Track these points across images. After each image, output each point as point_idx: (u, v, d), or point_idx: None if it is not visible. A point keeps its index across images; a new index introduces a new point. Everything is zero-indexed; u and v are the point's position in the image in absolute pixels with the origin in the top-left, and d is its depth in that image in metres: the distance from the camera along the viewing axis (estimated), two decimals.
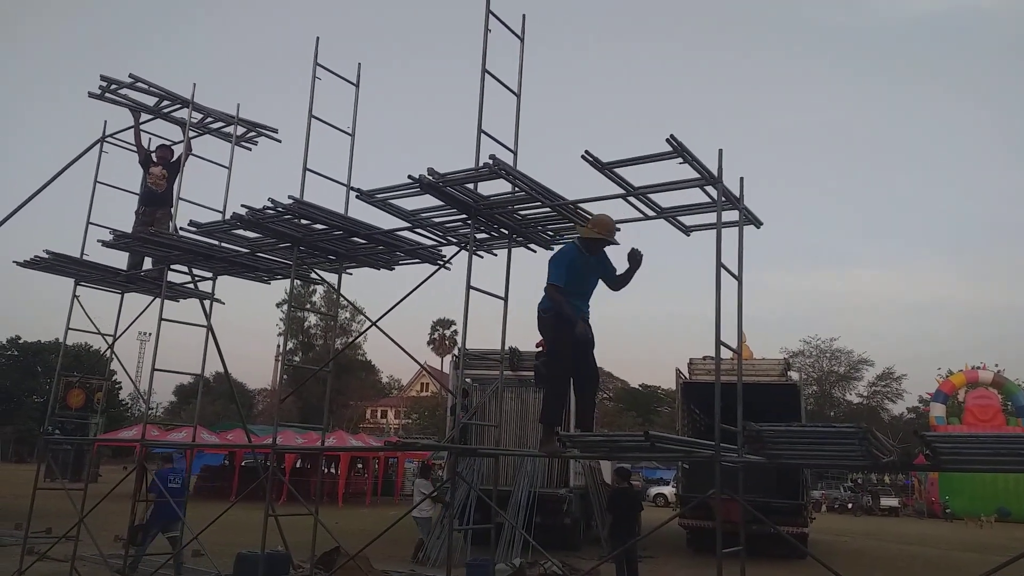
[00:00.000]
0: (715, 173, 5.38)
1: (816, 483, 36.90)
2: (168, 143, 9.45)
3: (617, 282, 6.15)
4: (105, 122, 9.20)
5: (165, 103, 8.96)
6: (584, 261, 5.91)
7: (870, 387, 55.71)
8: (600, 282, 6.13)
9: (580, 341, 5.75)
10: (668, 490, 33.30)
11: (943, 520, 32.91)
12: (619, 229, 6.10)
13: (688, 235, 6.67)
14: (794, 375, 18.87)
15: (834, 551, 17.11)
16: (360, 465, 32.41)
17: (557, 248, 6.37)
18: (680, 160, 5.25)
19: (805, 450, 5.12)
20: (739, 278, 5.63)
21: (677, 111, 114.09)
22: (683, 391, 16.92)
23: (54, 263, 8.80)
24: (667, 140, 5.05)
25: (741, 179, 5.83)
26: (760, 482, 13.50)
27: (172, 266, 8.64)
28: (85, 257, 8.90)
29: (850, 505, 37.51)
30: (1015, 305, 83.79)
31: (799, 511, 15.44)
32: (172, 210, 8.89)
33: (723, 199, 5.50)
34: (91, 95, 8.81)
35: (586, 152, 5.42)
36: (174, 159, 9.24)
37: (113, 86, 8.68)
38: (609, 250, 6.09)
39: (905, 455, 5.03)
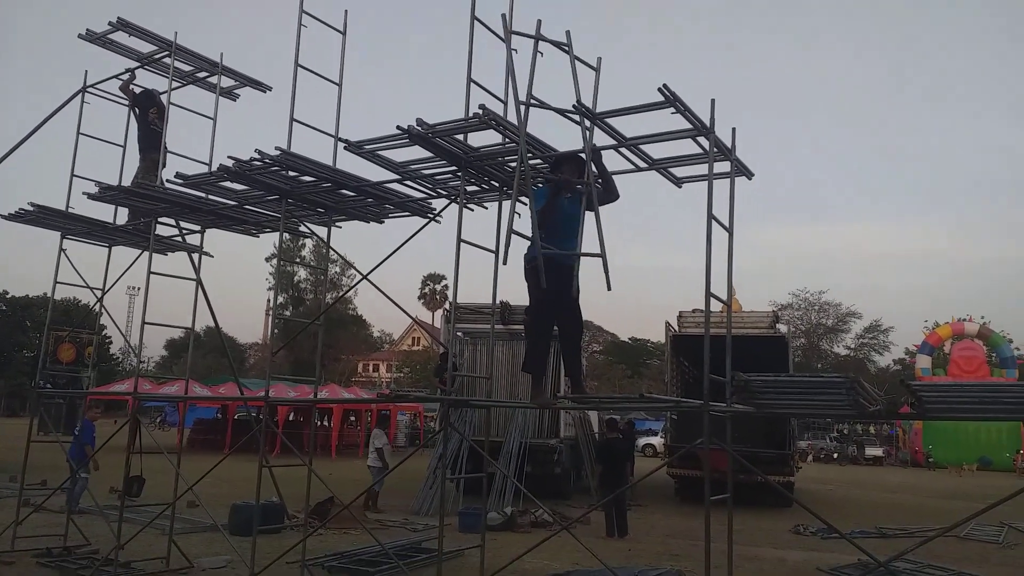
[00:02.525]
0: (707, 124, 5.32)
1: (802, 434, 37.60)
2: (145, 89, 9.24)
3: (605, 190, 5.96)
4: (86, 72, 8.98)
5: (153, 51, 8.74)
6: (559, 200, 5.75)
7: (857, 339, 56.57)
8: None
9: (557, 289, 5.59)
10: (657, 440, 33.80)
11: (926, 469, 33.63)
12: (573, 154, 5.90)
13: (680, 187, 6.65)
14: (782, 328, 19.05)
15: (820, 499, 17.49)
16: (353, 418, 32.70)
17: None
18: (672, 111, 5.19)
19: (793, 399, 5.19)
20: (730, 230, 5.62)
21: (670, 61, 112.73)
22: (672, 344, 17.07)
23: (39, 216, 8.67)
24: (659, 90, 4.98)
25: (733, 130, 5.79)
26: (747, 432, 13.70)
27: (159, 219, 8.54)
28: (71, 210, 8.78)
29: (835, 455, 38.25)
30: (1003, 258, 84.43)
31: (786, 461, 15.73)
32: (144, 157, 8.81)
33: (715, 150, 5.46)
34: (81, 37, 8.59)
35: (577, 102, 5.36)
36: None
37: (103, 32, 8.45)
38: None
39: (891, 404, 5.09)
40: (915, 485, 24.41)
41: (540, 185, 6.19)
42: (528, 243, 5.80)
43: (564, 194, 5.80)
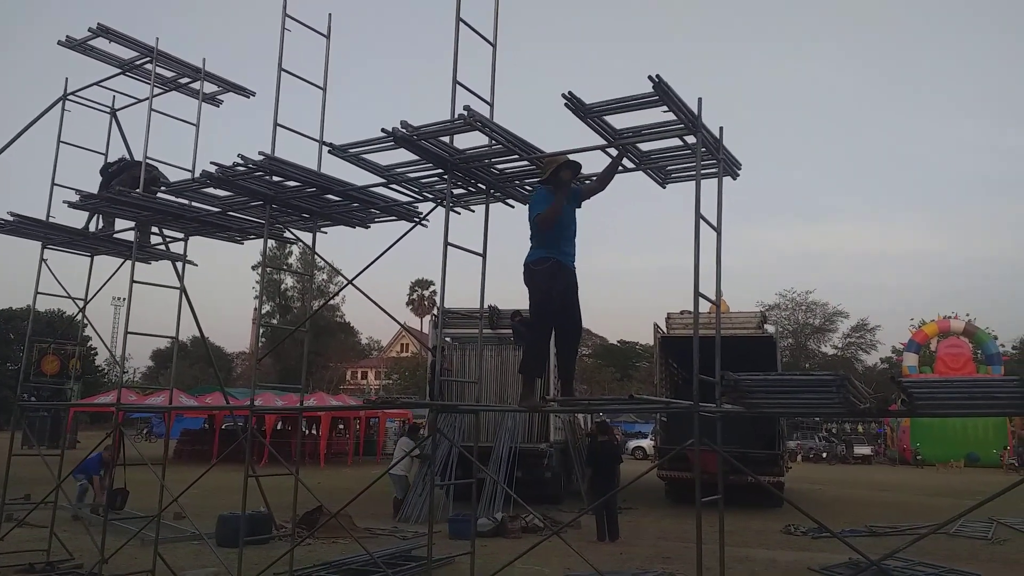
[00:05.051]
0: (695, 120, 5.27)
1: (791, 433, 37.69)
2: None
3: (600, 184, 6.06)
4: (67, 79, 8.88)
5: (135, 57, 8.62)
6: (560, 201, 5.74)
7: (844, 339, 56.77)
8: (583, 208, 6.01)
9: (563, 292, 5.71)
10: (646, 443, 33.78)
11: (914, 467, 33.78)
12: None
13: (664, 187, 6.59)
14: (770, 328, 19.08)
15: (810, 499, 17.51)
16: (342, 426, 32.51)
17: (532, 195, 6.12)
18: (665, 108, 5.11)
19: (784, 399, 5.16)
20: (718, 229, 5.59)
21: (660, 64, 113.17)
22: (661, 345, 17.05)
23: (19, 225, 8.55)
24: (649, 77, 4.81)
25: (720, 128, 5.74)
26: (737, 433, 13.70)
27: (142, 227, 8.44)
28: (51, 219, 8.67)
29: (824, 454, 38.35)
30: (987, 257, 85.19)
31: (776, 461, 15.73)
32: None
33: (703, 148, 5.42)
34: (61, 44, 8.47)
35: (568, 93, 5.20)
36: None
37: (83, 38, 8.33)
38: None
39: (881, 402, 5.06)
40: (904, 483, 24.50)
41: (535, 188, 6.16)
42: (531, 247, 5.80)
43: (564, 194, 5.77)
